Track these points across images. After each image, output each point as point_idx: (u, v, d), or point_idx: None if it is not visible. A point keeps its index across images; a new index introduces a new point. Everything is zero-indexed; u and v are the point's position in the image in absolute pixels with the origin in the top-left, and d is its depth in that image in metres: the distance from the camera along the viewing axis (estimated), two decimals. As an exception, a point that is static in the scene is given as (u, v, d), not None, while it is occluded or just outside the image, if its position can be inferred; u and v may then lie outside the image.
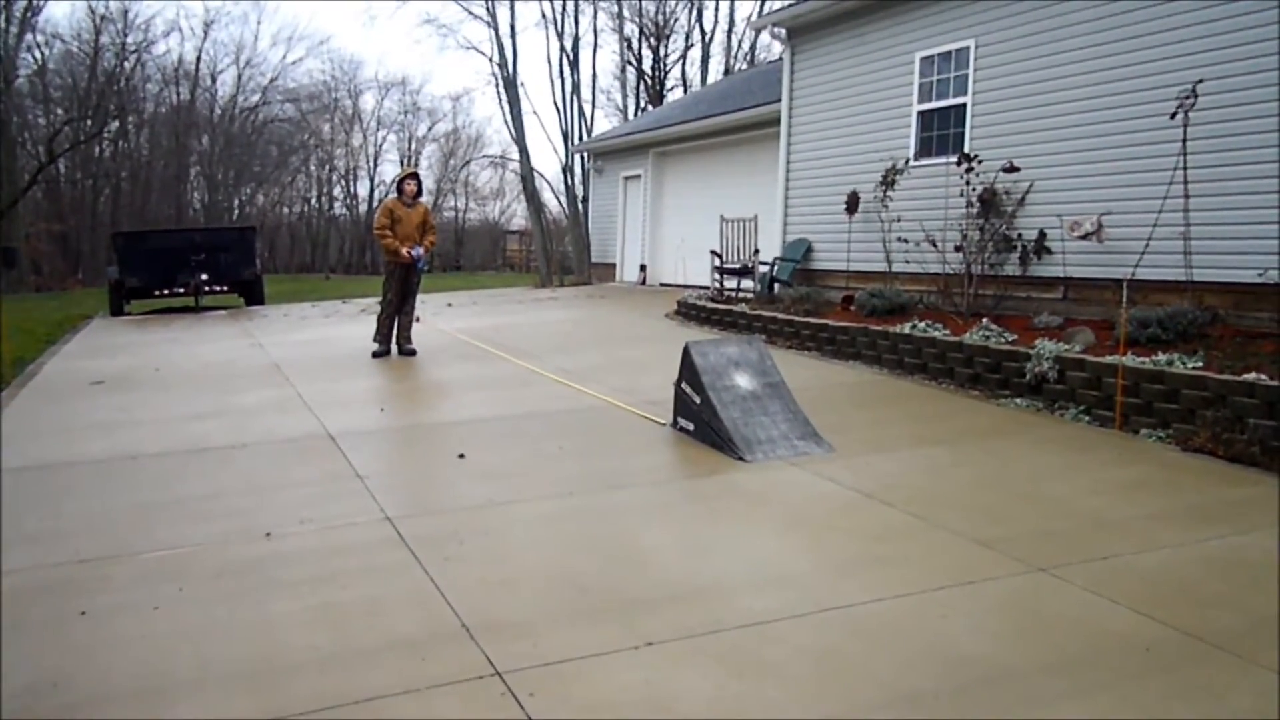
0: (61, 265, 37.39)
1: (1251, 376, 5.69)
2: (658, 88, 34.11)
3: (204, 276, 16.01)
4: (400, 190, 9.60)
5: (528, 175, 26.93)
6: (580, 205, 24.85)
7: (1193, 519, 4.50)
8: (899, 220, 10.23)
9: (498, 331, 11.29)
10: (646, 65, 34.50)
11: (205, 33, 55.00)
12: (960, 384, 7.58)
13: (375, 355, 9.56)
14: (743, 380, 6.12)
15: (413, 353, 9.61)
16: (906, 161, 10.34)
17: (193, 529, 4.52)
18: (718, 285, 13.03)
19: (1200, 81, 7.43)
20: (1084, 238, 8.33)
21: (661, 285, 17.73)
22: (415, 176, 9.77)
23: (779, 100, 12.84)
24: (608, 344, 10.49)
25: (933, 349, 7.92)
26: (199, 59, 46.62)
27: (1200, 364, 6.13)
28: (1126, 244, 8.07)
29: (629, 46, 33.53)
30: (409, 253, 9.35)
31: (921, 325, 8.32)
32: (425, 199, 10.43)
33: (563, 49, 28.03)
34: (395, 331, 9.66)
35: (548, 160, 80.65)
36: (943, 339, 7.89)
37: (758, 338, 7.27)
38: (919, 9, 10.39)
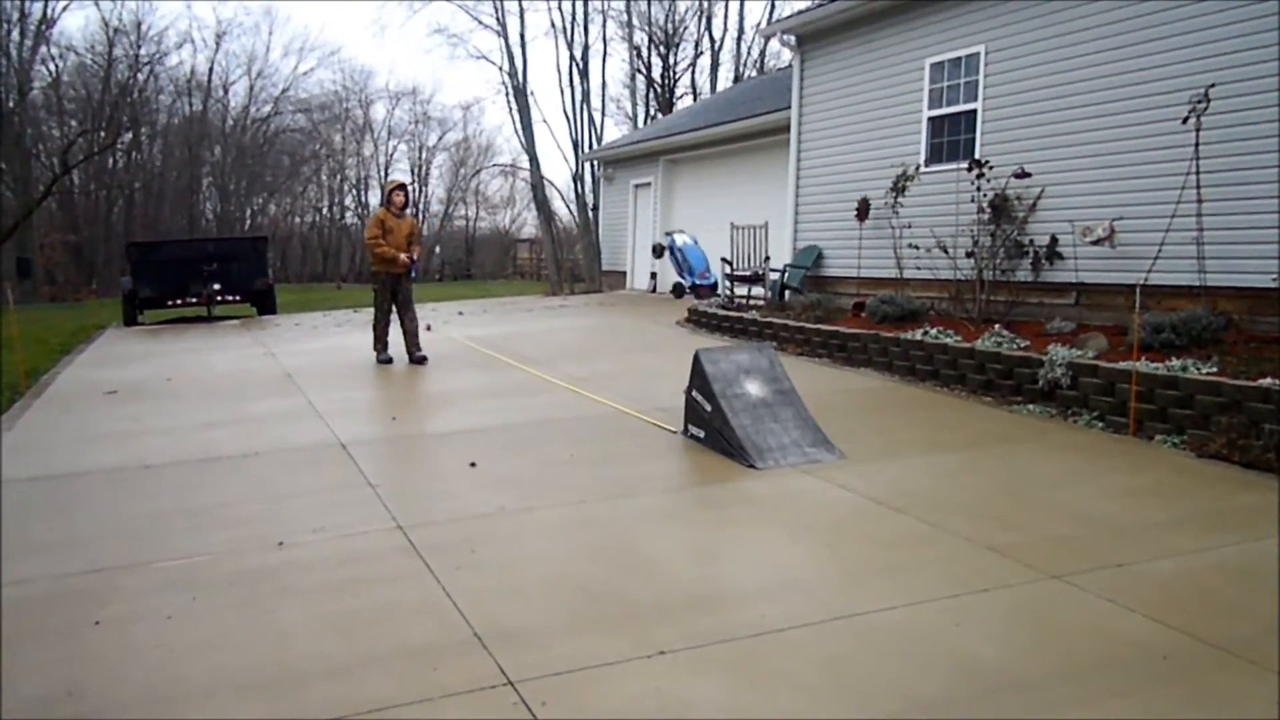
0: (75, 275, 37.66)
1: (1266, 382, 5.65)
2: (667, 96, 34.17)
3: (216, 286, 16.12)
4: (389, 201, 9.73)
5: (538, 184, 27.00)
6: (590, 213, 24.89)
7: (1208, 525, 4.46)
8: (910, 226, 10.21)
9: (508, 339, 11.31)
10: (656, 73, 34.60)
11: (217, 44, 55.63)
12: (972, 390, 7.55)
13: (381, 362, 9.66)
14: (753, 387, 6.12)
15: (423, 359, 9.65)
16: (917, 168, 10.32)
17: (205, 538, 4.53)
18: (728, 292, 13.03)
19: (1212, 86, 7.39)
20: (1096, 243, 8.30)
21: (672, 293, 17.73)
22: (404, 188, 9.98)
23: (789, 107, 12.85)
24: (618, 352, 10.49)
25: (944, 355, 7.90)
26: (211, 70, 47.07)
27: (1214, 369, 6.10)
28: (1139, 249, 8.03)
29: (638, 55, 33.60)
30: (406, 258, 9.49)
31: (933, 331, 8.30)
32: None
33: (572, 58, 28.07)
34: (403, 339, 9.73)
35: (558, 168, 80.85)
36: (954, 345, 7.87)
37: (768, 345, 7.26)
38: (929, 15, 10.39)
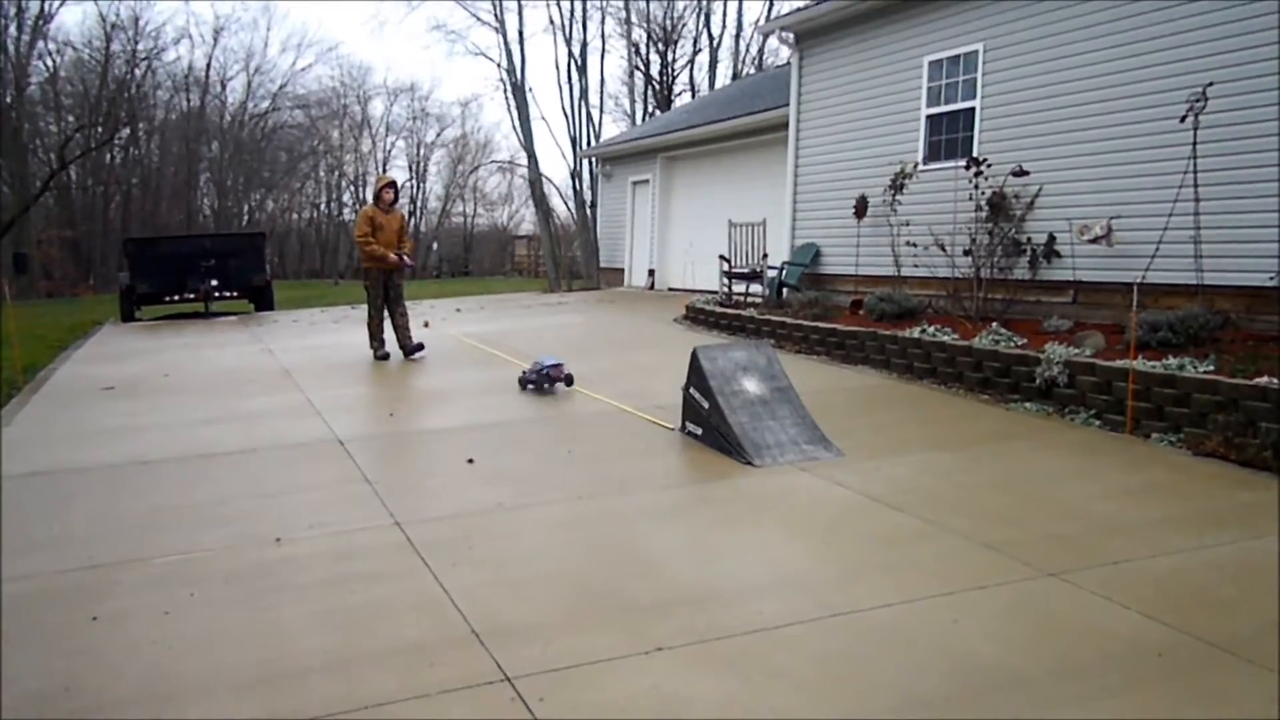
0: (73, 271, 37.65)
1: (1263, 380, 5.66)
2: (666, 93, 34.15)
3: (214, 282, 16.09)
4: (378, 198, 9.77)
5: (536, 180, 26.97)
6: (588, 210, 24.89)
7: (1204, 523, 4.47)
8: (908, 224, 10.21)
9: (506, 336, 11.31)
10: (654, 70, 34.58)
11: (215, 39, 55.51)
12: (970, 388, 7.55)
13: (378, 358, 9.70)
14: (751, 385, 6.12)
15: (420, 346, 9.69)
16: (915, 165, 10.32)
17: (203, 534, 4.53)
18: (726, 290, 13.01)
19: (1210, 84, 7.40)
20: (1094, 241, 8.30)
21: (670, 290, 17.73)
22: (393, 185, 10.05)
23: (787, 104, 12.83)
24: (616, 349, 10.49)
25: (942, 353, 7.90)
26: (209, 66, 47.00)
27: (1212, 368, 6.10)
28: (1137, 247, 8.04)
29: (637, 52, 33.58)
30: (396, 257, 9.53)
31: (931, 329, 8.30)
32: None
33: (571, 54, 28.03)
34: (395, 334, 9.76)
35: (556, 165, 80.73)
36: (952, 343, 7.87)
37: (766, 342, 7.27)
38: (927, 13, 10.38)
